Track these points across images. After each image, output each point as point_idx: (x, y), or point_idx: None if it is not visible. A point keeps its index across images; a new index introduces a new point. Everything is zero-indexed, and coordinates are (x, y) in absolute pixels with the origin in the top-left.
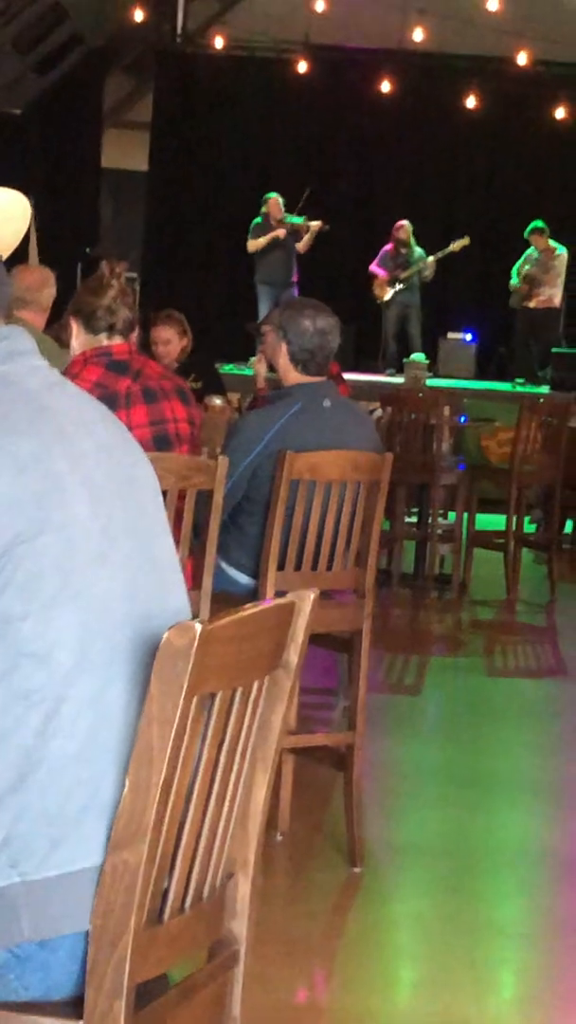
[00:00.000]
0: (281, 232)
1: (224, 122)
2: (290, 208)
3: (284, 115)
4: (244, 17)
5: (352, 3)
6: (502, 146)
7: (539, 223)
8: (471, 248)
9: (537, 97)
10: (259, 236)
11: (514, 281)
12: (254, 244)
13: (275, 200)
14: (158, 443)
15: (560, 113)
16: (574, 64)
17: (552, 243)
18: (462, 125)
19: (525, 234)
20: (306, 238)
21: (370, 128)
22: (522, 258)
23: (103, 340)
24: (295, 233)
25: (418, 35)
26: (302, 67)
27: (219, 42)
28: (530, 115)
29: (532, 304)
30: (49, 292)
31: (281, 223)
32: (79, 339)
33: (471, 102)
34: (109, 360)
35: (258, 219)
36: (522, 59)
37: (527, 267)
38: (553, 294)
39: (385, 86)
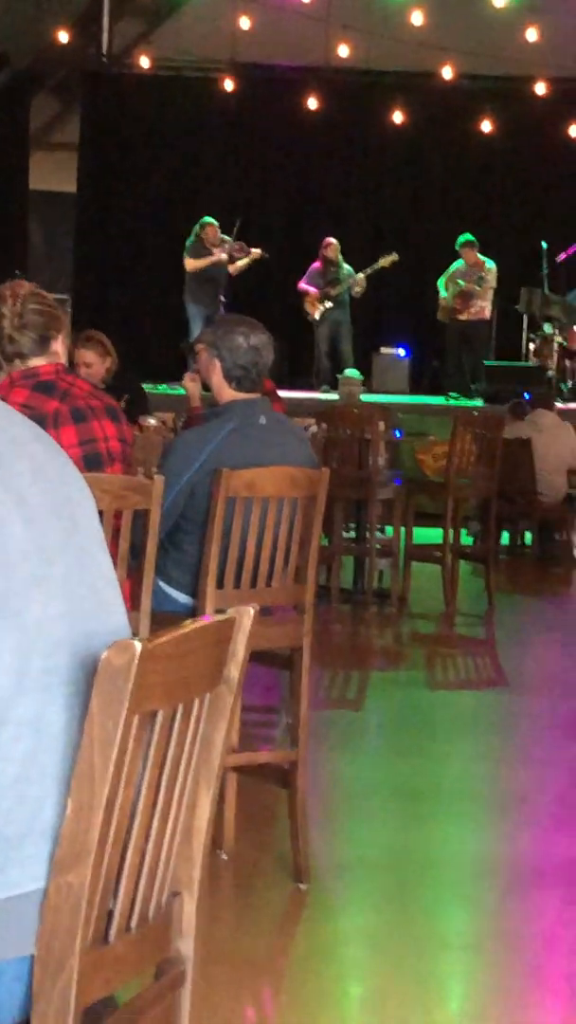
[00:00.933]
0: (222, 257)
1: (152, 142)
2: (227, 232)
3: (212, 133)
4: (169, 36)
5: (277, 20)
6: (429, 161)
7: (469, 236)
8: (401, 263)
9: (463, 110)
10: (196, 256)
11: (443, 294)
12: (193, 264)
13: (212, 227)
14: (89, 463)
15: (486, 126)
16: (498, 77)
17: (481, 257)
18: (389, 141)
19: (456, 246)
20: (241, 262)
21: (298, 145)
22: (449, 271)
23: (28, 363)
24: (230, 256)
25: (343, 51)
26: (228, 85)
27: (145, 62)
28: (457, 128)
29: (464, 317)
30: None
31: (216, 248)
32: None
33: (398, 117)
34: (36, 381)
35: (191, 239)
36: (447, 73)
37: (460, 281)
38: (484, 306)
39: (312, 103)
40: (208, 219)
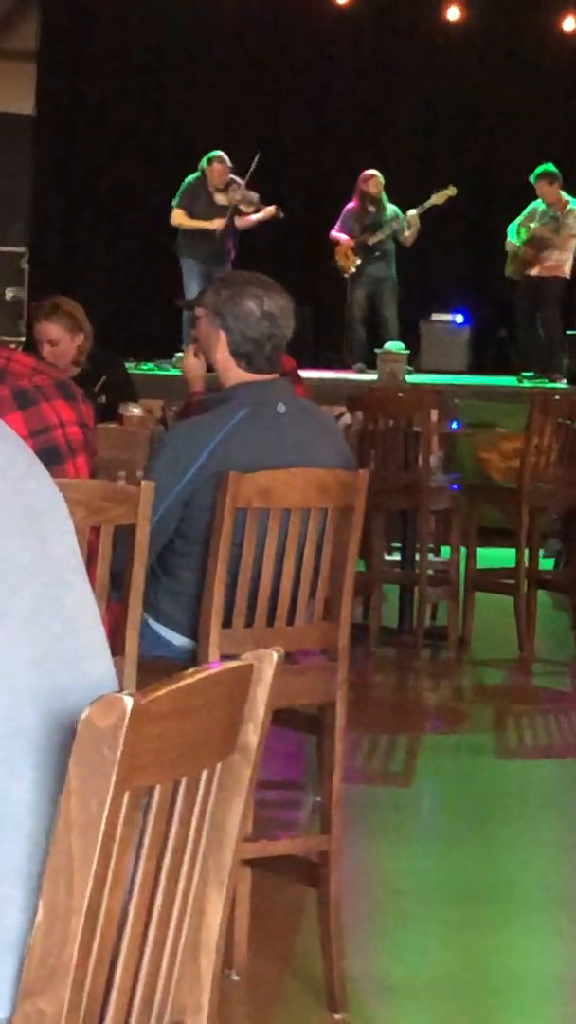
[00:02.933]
0: (217, 224)
1: (131, 49)
2: (240, 172)
3: (209, 35)
4: None
5: None
6: (496, 70)
7: (549, 167)
8: (459, 201)
9: (539, 4)
10: (191, 205)
11: (512, 239)
12: (181, 218)
13: (220, 162)
14: (46, 457)
15: (569, 24)
16: None
17: (565, 195)
18: (442, 43)
19: (532, 179)
20: (252, 218)
21: (322, 49)
22: (524, 213)
23: None
24: (234, 208)
25: None
26: None
27: None
28: (531, 28)
29: (535, 272)
30: None
31: (223, 193)
32: None
33: (453, 13)
34: None
35: (192, 176)
36: None
37: (532, 224)
38: (563, 260)
39: None
40: (218, 153)
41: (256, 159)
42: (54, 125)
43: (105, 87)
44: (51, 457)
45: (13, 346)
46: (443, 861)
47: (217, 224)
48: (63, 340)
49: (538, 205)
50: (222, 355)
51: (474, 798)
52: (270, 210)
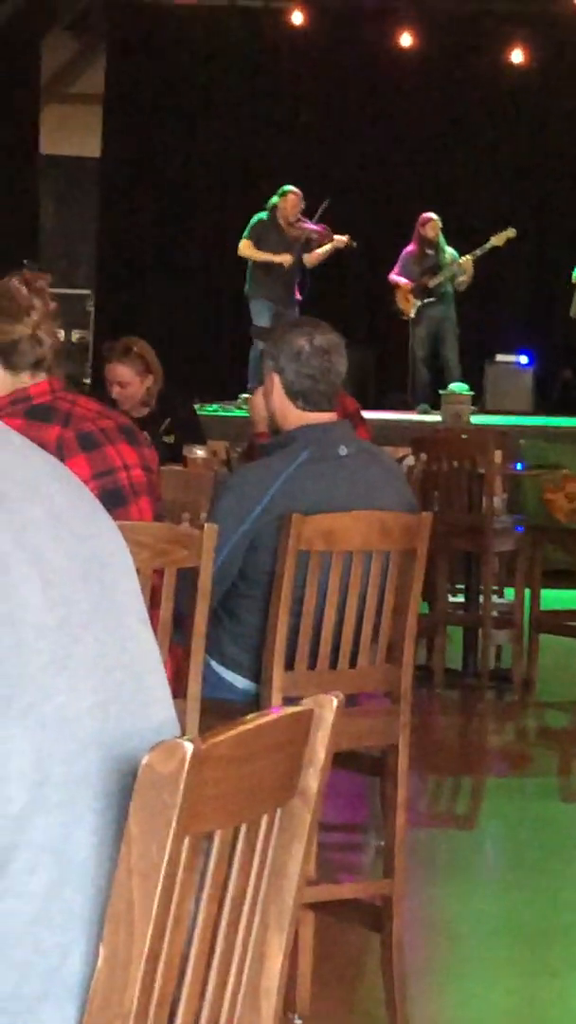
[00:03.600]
0: (286, 259)
1: (196, 93)
2: (310, 210)
3: (274, 81)
4: None
5: None
6: (558, 111)
7: None
8: (524, 244)
9: None
10: (261, 239)
11: (574, 279)
12: (250, 250)
13: (295, 196)
14: (109, 500)
15: None
16: None
17: None
18: (505, 87)
19: None
20: (321, 250)
21: (386, 95)
22: None
23: (25, 379)
24: (307, 241)
25: None
26: (297, 18)
27: None
28: None
29: None
30: None
31: (295, 227)
32: None
33: (516, 56)
34: (28, 406)
35: (262, 214)
36: None
37: None
38: None
39: (405, 39)
40: (289, 187)
41: (326, 203)
42: (120, 168)
43: (170, 129)
44: (114, 500)
45: (78, 389)
46: (507, 905)
47: (285, 259)
48: (132, 383)
49: None
50: (279, 397)
51: (538, 842)
52: (342, 239)
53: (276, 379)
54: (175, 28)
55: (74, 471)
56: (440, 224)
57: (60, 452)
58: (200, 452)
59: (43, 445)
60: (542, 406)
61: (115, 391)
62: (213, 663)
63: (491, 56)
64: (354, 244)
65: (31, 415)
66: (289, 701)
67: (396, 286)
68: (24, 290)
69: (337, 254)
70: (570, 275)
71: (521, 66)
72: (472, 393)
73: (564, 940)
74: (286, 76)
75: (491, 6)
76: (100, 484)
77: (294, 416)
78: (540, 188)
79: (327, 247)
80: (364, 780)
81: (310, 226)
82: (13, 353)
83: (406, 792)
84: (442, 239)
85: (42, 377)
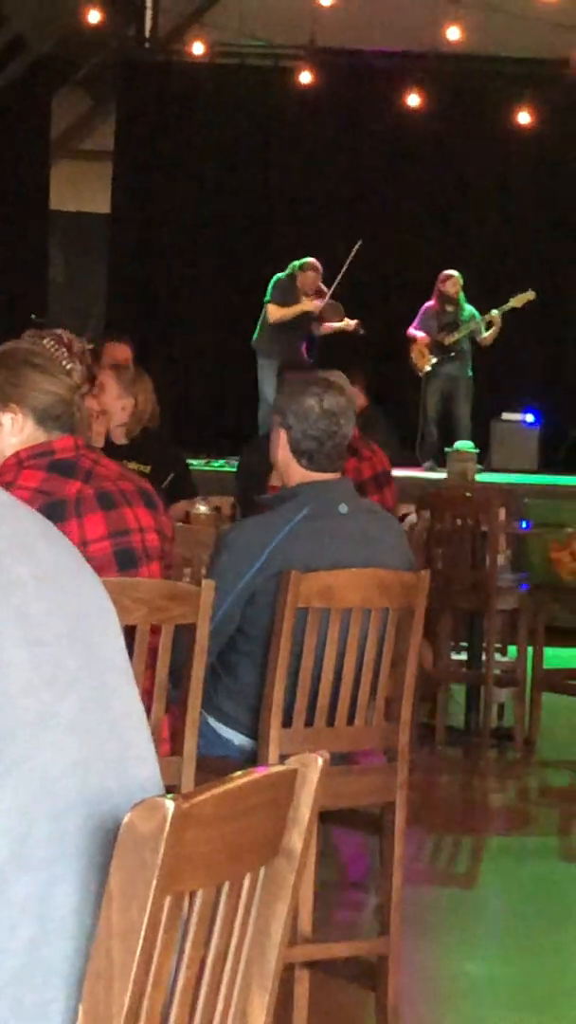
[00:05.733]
0: (316, 305)
1: (207, 149)
2: (333, 268)
3: (285, 138)
4: (230, 15)
5: None
6: (567, 172)
7: None
8: (533, 305)
9: None
10: (285, 301)
11: None
12: (277, 312)
13: (314, 270)
14: (122, 560)
15: None
16: None
17: None
18: (514, 147)
19: None
20: (331, 325)
21: (396, 153)
22: None
23: (52, 435)
24: (320, 314)
25: (453, 33)
26: (306, 77)
27: (199, 47)
28: None
29: None
30: None
31: (309, 299)
32: (20, 435)
33: (524, 117)
34: (51, 460)
35: (283, 274)
36: None
37: None
38: None
39: (413, 99)
40: (311, 260)
41: (355, 249)
42: (129, 224)
43: (179, 187)
44: (127, 560)
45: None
46: (505, 966)
47: (312, 306)
48: (109, 393)
49: None
50: (284, 453)
51: (538, 902)
52: (351, 324)
53: (283, 435)
54: (185, 86)
55: (90, 527)
56: (461, 281)
57: (78, 508)
58: (203, 508)
59: (62, 499)
60: (548, 465)
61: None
62: (210, 720)
63: (500, 116)
64: (361, 331)
65: (52, 468)
66: (286, 758)
67: (413, 340)
68: (65, 352)
69: (350, 312)
70: None
71: (529, 127)
72: (478, 451)
73: (565, 1003)
74: (295, 134)
75: (499, 67)
76: (114, 543)
77: (297, 473)
78: (550, 248)
79: (337, 324)
80: (363, 838)
81: (327, 306)
82: (47, 413)
83: (402, 851)
84: (462, 296)
85: (67, 433)
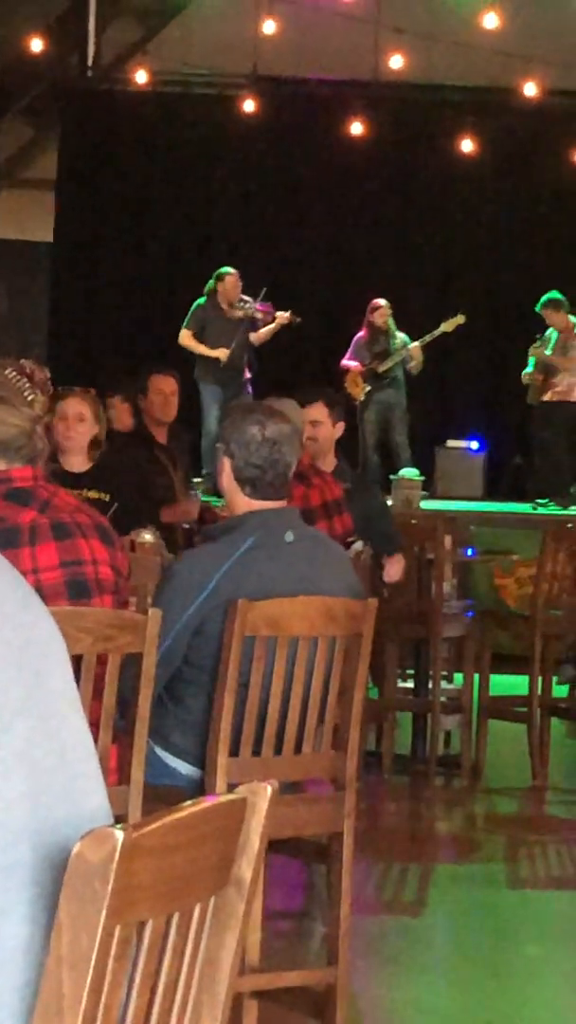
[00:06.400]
0: (222, 353)
1: (150, 178)
2: (278, 298)
3: (227, 167)
4: (173, 45)
5: (311, 23)
6: (508, 200)
7: (554, 294)
8: (475, 330)
9: (552, 136)
10: (205, 325)
11: (529, 369)
12: (189, 341)
13: (233, 278)
14: (74, 590)
15: None
16: None
17: (574, 319)
18: (457, 175)
19: (537, 308)
20: (266, 329)
21: (337, 181)
22: (540, 340)
23: (8, 465)
24: (252, 320)
25: (396, 62)
26: (249, 106)
27: (142, 76)
28: (543, 159)
29: (547, 397)
30: None
31: (234, 308)
32: None
33: (467, 145)
34: (8, 488)
35: (201, 300)
36: (530, 89)
37: (546, 351)
38: (574, 383)
39: (356, 128)
40: (227, 269)
41: (263, 293)
42: (72, 253)
43: (123, 215)
44: (79, 591)
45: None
46: (454, 993)
47: (221, 353)
48: (86, 420)
49: (551, 332)
50: (228, 482)
51: (486, 929)
52: (285, 316)
53: (227, 463)
54: (128, 114)
55: (42, 556)
56: (389, 311)
57: (32, 536)
58: (148, 537)
59: (16, 526)
60: (493, 492)
61: (68, 429)
62: (157, 749)
63: (442, 144)
64: (297, 319)
65: (9, 497)
66: (234, 787)
67: (346, 371)
68: (27, 383)
69: (290, 339)
70: (522, 362)
71: (472, 154)
72: (423, 478)
73: None
74: (238, 163)
75: (443, 95)
76: (66, 572)
77: (242, 502)
78: (491, 275)
79: (272, 326)
80: (309, 868)
81: (248, 310)
82: (9, 444)
83: (350, 880)
84: (392, 324)
85: (27, 464)
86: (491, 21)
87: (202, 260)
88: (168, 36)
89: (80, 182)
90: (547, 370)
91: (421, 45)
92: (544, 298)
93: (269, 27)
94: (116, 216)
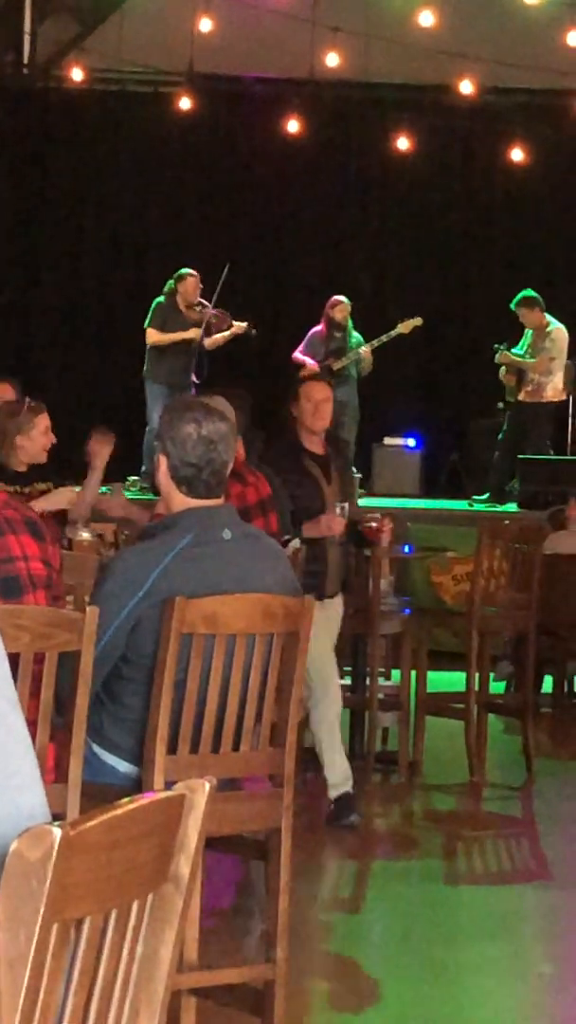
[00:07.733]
0: (194, 333)
1: (86, 175)
2: (206, 291)
3: (164, 164)
4: (109, 42)
5: (247, 21)
6: (445, 197)
7: (527, 293)
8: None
9: (486, 134)
10: (164, 324)
11: (502, 372)
12: (158, 335)
13: (193, 280)
14: (6, 587)
15: (517, 154)
16: (532, 91)
17: (548, 318)
18: (393, 172)
19: (512, 306)
20: (220, 335)
21: (276, 179)
22: (503, 346)
23: None
24: (206, 325)
25: (332, 59)
26: (185, 103)
27: (77, 73)
28: (478, 157)
29: (521, 397)
30: None
31: (191, 310)
32: None
33: (403, 143)
34: None
35: (160, 299)
36: (466, 87)
37: (516, 351)
38: (543, 383)
39: (293, 125)
40: (188, 270)
41: (225, 272)
42: (7, 250)
43: (59, 215)
44: (11, 588)
45: None
46: (393, 987)
47: (194, 333)
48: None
49: (528, 332)
50: (164, 480)
51: (424, 925)
52: (241, 326)
53: (163, 461)
54: (64, 112)
55: None
56: (349, 308)
57: None
58: (85, 535)
59: None
60: (430, 489)
61: (46, 441)
62: (95, 747)
63: (379, 142)
64: (253, 331)
65: None
66: (171, 785)
67: (302, 366)
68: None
69: (236, 338)
70: (461, 360)
71: (408, 152)
72: (360, 476)
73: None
74: (175, 160)
75: (379, 93)
76: None
77: (179, 500)
78: (429, 273)
79: (226, 332)
80: (247, 864)
81: (205, 314)
82: None
83: (289, 876)
84: (350, 323)
85: None
86: (427, 19)
87: (139, 259)
88: (104, 33)
89: (14, 181)
90: (516, 371)
91: (357, 43)
92: (518, 296)
93: (206, 25)
94: (52, 214)
